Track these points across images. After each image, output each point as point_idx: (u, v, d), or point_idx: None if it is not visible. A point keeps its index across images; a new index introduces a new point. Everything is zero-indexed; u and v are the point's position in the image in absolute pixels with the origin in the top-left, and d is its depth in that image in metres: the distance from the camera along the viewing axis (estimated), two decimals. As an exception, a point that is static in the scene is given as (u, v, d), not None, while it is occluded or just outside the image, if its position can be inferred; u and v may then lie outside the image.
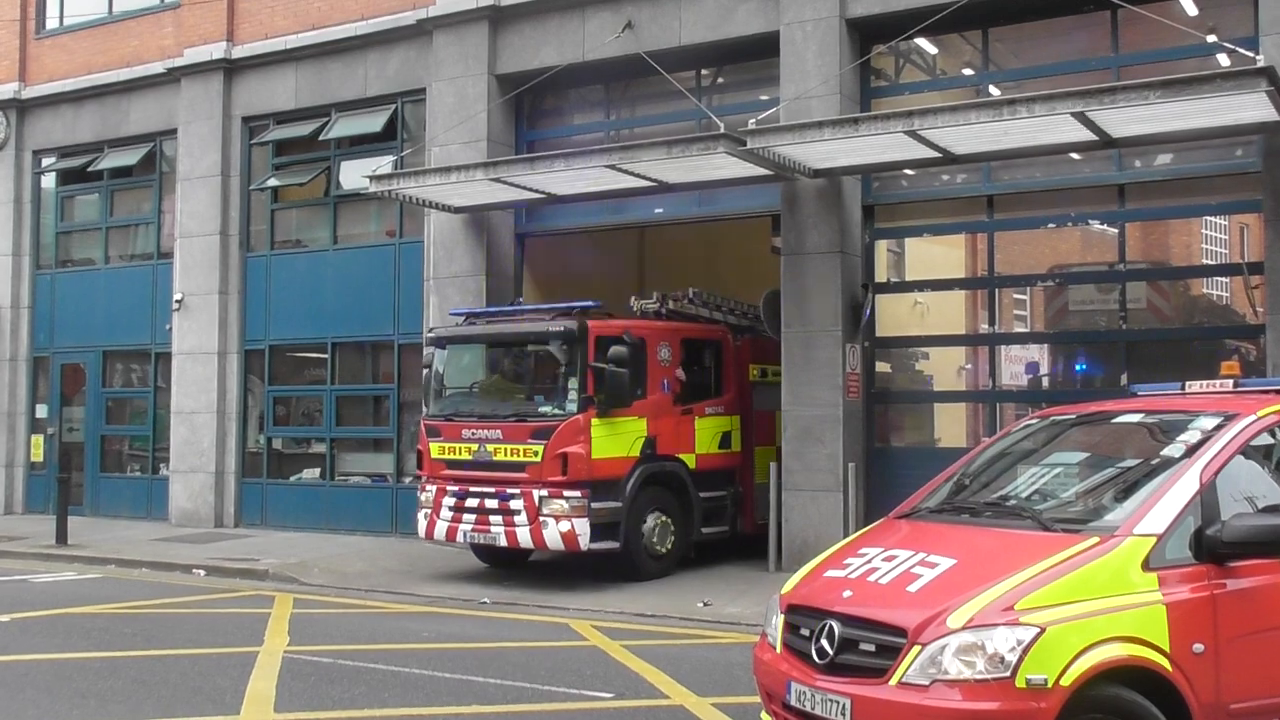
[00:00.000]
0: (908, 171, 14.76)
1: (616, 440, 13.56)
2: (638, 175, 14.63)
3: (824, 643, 5.84)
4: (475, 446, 13.79)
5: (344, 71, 18.78)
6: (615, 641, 10.75)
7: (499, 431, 13.63)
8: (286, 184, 19.74)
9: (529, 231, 17.67)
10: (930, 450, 15.09)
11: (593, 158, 14.17)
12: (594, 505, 13.25)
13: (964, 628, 5.37)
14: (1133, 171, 13.61)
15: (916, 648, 5.42)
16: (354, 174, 18.37)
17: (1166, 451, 6.42)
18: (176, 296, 20.07)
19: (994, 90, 14.36)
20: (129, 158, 21.45)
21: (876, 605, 5.80)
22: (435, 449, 14.14)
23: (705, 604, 12.45)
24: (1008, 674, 5.23)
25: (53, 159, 22.63)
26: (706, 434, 14.64)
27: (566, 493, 13.20)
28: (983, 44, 14.49)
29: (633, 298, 15.29)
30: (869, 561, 6.18)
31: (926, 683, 5.35)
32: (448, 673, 9.39)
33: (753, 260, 19.06)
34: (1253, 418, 6.23)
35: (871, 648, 5.65)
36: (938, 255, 16.38)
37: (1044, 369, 15.78)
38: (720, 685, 8.98)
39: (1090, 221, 14.81)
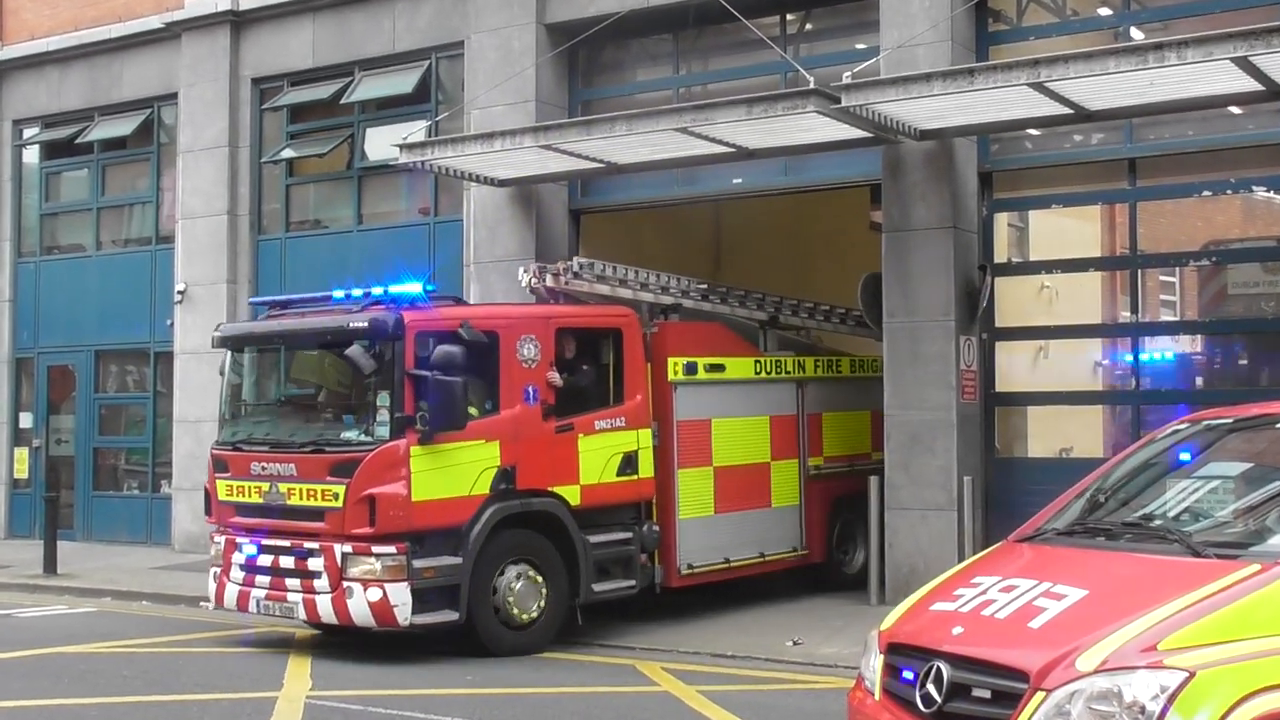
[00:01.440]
0: (1032, 131, 14.59)
1: (451, 474, 11.93)
2: (712, 139, 14.58)
3: (930, 688, 5.76)
4: (266, 486, 12.30)
5: (369, 23, 18.89)
6: (690, 686, 10.73)
7: (293, 466, 12.14)
8: (304, 155, 19.89)
9: (585, 207, 17.68)
10: (1061, 462, 14.92)
11: (660, 119, 14.13)
12: (417, 564, 11.63)
13: (1097, 671, 5.25)
14: (1305, 128, 13.38)
15: (1040, 694, 5.31)
16: (381, 143, 18.45)
17: None
18: (179, 287, 20.30)
19: (1137, 33, 14.16)
20: (123, 127, 21.72)
21: (992, 644, 5.71)
22: (222, 489, 12.68)
23: (796, 643, 12.40)
24: None
25: (35, 129, 22.97)
26: (597, 457, 12.96)
27: (377, 549, 11.60)
28: (1122, -22, 14.32)
29: (520, 271, 14.01)
30: (984, 592, 6.09)
31: None
32: (495, 723, 9.41)
33: (848, 239, 19.00)
34: None
35: (986, 694, 5.55)
36: (1069, 230, 16.22)
37: (1198, 365, 15.57)
38: (816, 739, 8.92)
39: (1254, 188, 14.60)
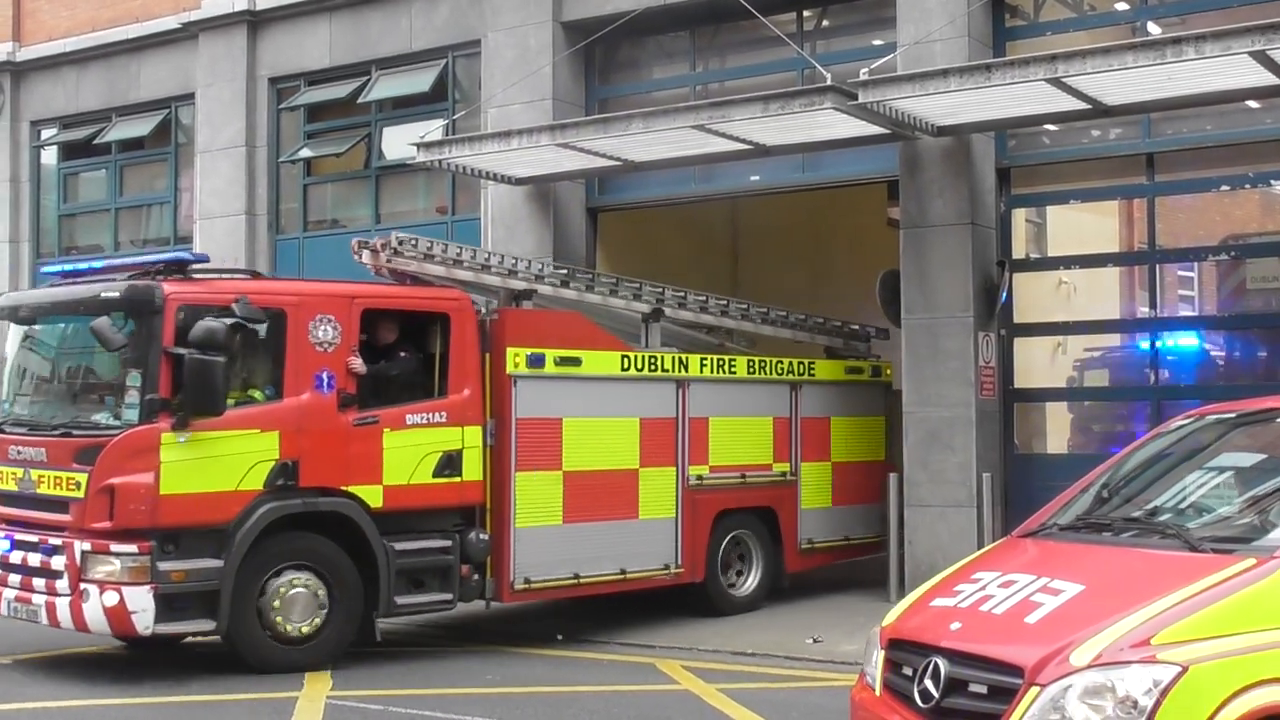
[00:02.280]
0: (1050, 127, 14.57)
1: (213, 466, 10.81)
2: (729, 137, 14.58)
3: (928, 683, 5.80)
4: (20, 472, 11.30)
5: (385, 22, 18.92)
6: (710, 685, 10.75)
7: (43, 450, 11.13)
8: (321, 155, 19.93)
9: (602, 205, 17.70)
10: (1082, 458, 14.89)
11: (677, 116, 14.13)
12: (164, 566, 10.53)
13: (1090, 666, 5.28)
14: (1324, 121, 13.34)
15: (1034, 689, 5.34)
16: (398, 142, 18.47)
17: None
18: (196, 287, 20.31)
19: (1154, 28, 14.13)
20: (140, 128, 21.79)
21: (989, 640, 5.75)
22: None
23: (815, 640, 12.42)
24: None
25: (53, 130, 23.05)
26: (407, 455, 11.79)
27: (116, 547, 10.51)
28: (1139, -27, 14.28)
29: (356, 243, 12.80)
30: (983, 588, 6.13)
31: None
32: (516, 722, 9.44)
33: (866, 235, 18.98)
34: None
35: (983, 689, 5.59)
36: (1087, 226, 16.19)
37: (1217, 359, 15.52)
38: (836, 737, 8.92)
39: (1273, 182, 14.56)
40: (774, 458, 14.62)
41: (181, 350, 10.58)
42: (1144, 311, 14.99)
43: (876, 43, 15.54)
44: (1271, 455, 7.00)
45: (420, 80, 18.64)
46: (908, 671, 5.98)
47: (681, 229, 19.08)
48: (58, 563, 10.79)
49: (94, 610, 10.53)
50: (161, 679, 10.96)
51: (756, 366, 14.56)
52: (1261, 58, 11.43)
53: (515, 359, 12.46)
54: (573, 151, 15.31)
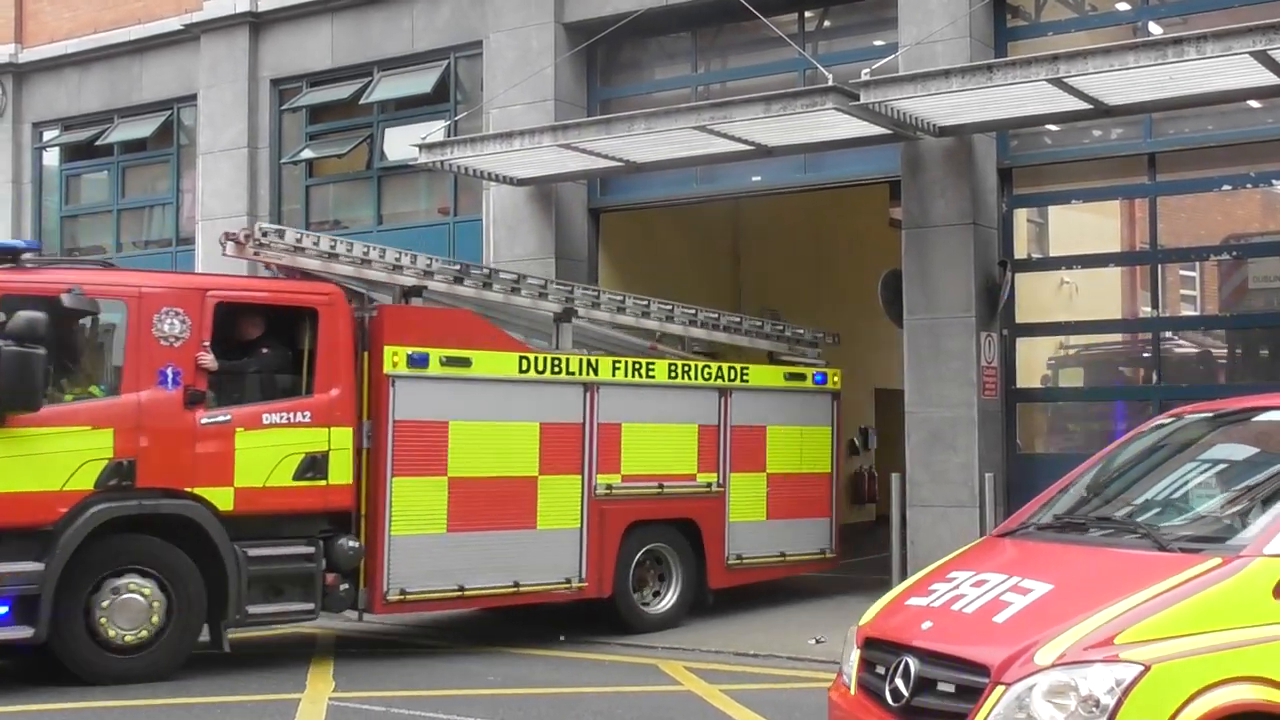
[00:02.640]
0: (1052, 127, 14.57)
1: (35, 464, 10.32)
2: (731, 137, 14.59)
3: (899, 682, 5.83)
4: None
5: (387, 23, 18.93)
6: (713, 685, 10.76)
7: None
8: (323, 156, 19.95)
9: (604, 206, 17.71)
10: (1083, 458, 14.89)
11: (678, 117, 14.15)
12: None
13: (1054, 665, 5.31)
14: (1326, 121, 13.34)
15: (1000, 688, 5.37)
16: (400, 143, 18.50)
17: None
18: (199, 288, 20.33)
19: (1155, 28, 14.13)
20: (142, 129, 21.80)
21: (957, 639, 5.78)
22: None
23: (818, 640, 12.43)
24: None
25: (55, 132, 23.06)
26: (262, 456, 11.22)
27: None
28: (1141, -27, 14.28)
29: (224, 235, 12.13)
30: (956, 587, 6.16)
31: None
32: (518, 723, 9.44)
33: (868, 235, 19.04)
34: None
35: (951, 688, 5.62)
36: (1088, 225, 16.18)
37: (1219, 359, 15.51)
38: (838, 737, 8.91)
39: (1274, 182, 14.56)
40: (698, 467, 13.92)
41: None
42: (1146, 311, 14.99)
43: (878, 43, 15.55)
44: (1244, 454, 7.00)
45: (422, 81, 18.66)
46: (881, 670, 6.03)
47: (683, 230, 19.09)
48: None
49: None
50: (167, 682, 10.95)
51: (679, 371, 13.83)
52: (1263, 57, 11.44)
53: (394, 358, 11.84)
54: (575, 152, 15.32)
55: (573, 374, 13.01)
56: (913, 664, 5.79)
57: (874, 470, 24.27)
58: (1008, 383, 14.73)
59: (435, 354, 12.05)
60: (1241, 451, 7.01)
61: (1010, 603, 5.78)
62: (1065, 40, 14.30)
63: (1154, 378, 14.64)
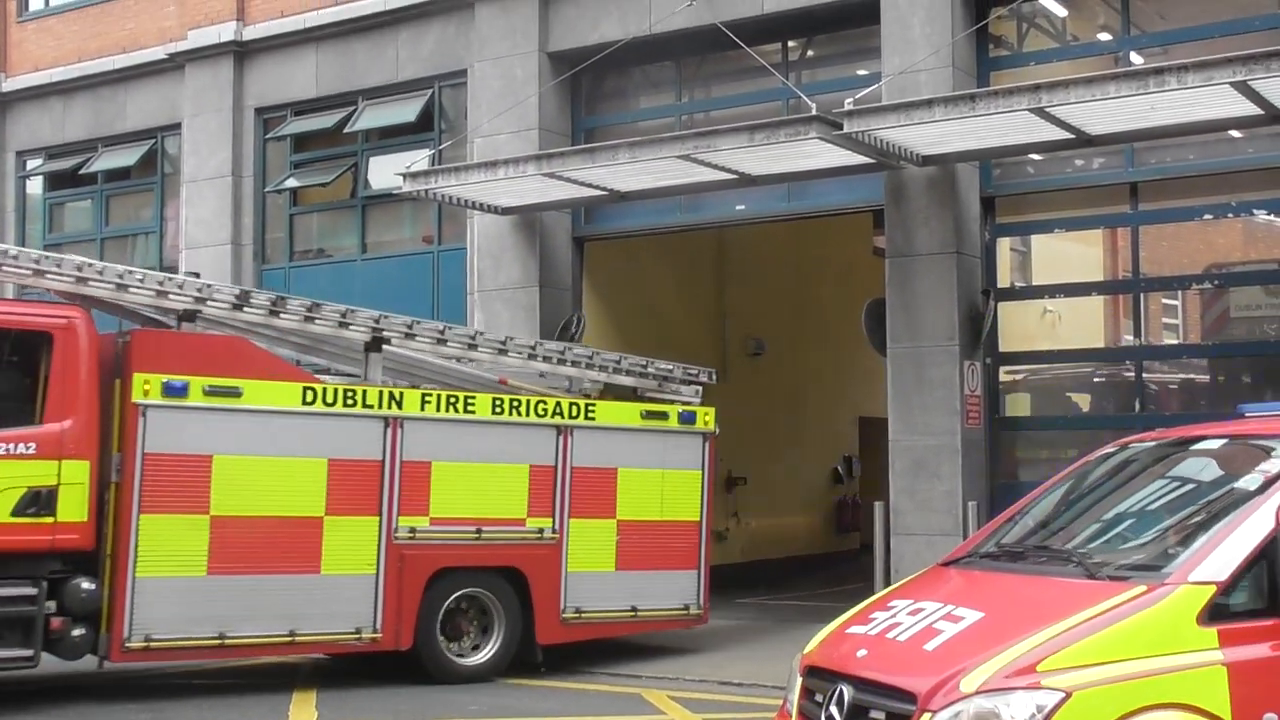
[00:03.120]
0: (1034, 156, 14.64)
1: None
2: (715, 166, 14.63)
3: (834, 709, 5.88)
4: None
5: (371, 52, 18.97)
6: (697, 715, 10.74)
7: None
8: (307, 185, 19.95)
9: (588, 235, 17.73)
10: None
11: (662, 146, 14.20)
12: None
13: (978, 692, 5.36)
14: (1305, 151, 13.41)
15: (926, 716, 5.43)
16: (385, 171, 18.55)
17: (1241, 485, 6.35)
18: (182, 316, 20.30)
19: (1136, 58, 14.22)
20: (126, 158, 21.81)
21: (888, 667, 5.84)
22: None
23: (802, 670, 12.38)
24: None
25: (39, 160, 23.07)
26: None
27: None
28: (1122, 2, 14.36)
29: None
30: (894, 615, 6.22)
31: None
32: (502, 752, 9.41)
33: (852, 264, 19.08)
34: None
35: (881, 716, 5.67)
36: (1071, 254, 16.22)
37: (1201, 387, 15.55)
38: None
39: (1255, 211, 14.60)
40: (528, 511, 12.69)
41: None
42: (1129, 340, 15.04)
43: (861, 73, 15.62)
44: (1177, 483, 7.04)
45: (407, 110, 18.69)
46: (819, 698, 6.06)
47: (668, 258, 19.12)
48: None
49: None
50: (150, 713, 10.89)
51: (506, 406, 12.62)
52: (1243, 88, 11.51)
53: (145, 386, 10.87)
54: (559, 181, 15.35)
55: (370, 406, 11.90)
56: (847, 692, 5.84)
57: (858, 498, 24.31)
58: (991, 411, 14.76)
59: (197, 382, 11.07)
60: (1177, 481, 7.06)
61: (941, 630, 5.84)
62: (1047, 70, 14.37)
63: (1137, 406, 14.68)
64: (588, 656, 13.20)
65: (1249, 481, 6.25)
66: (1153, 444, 7.41)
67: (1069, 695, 5.23)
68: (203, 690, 11.78)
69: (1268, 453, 6.42)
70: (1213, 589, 5.55)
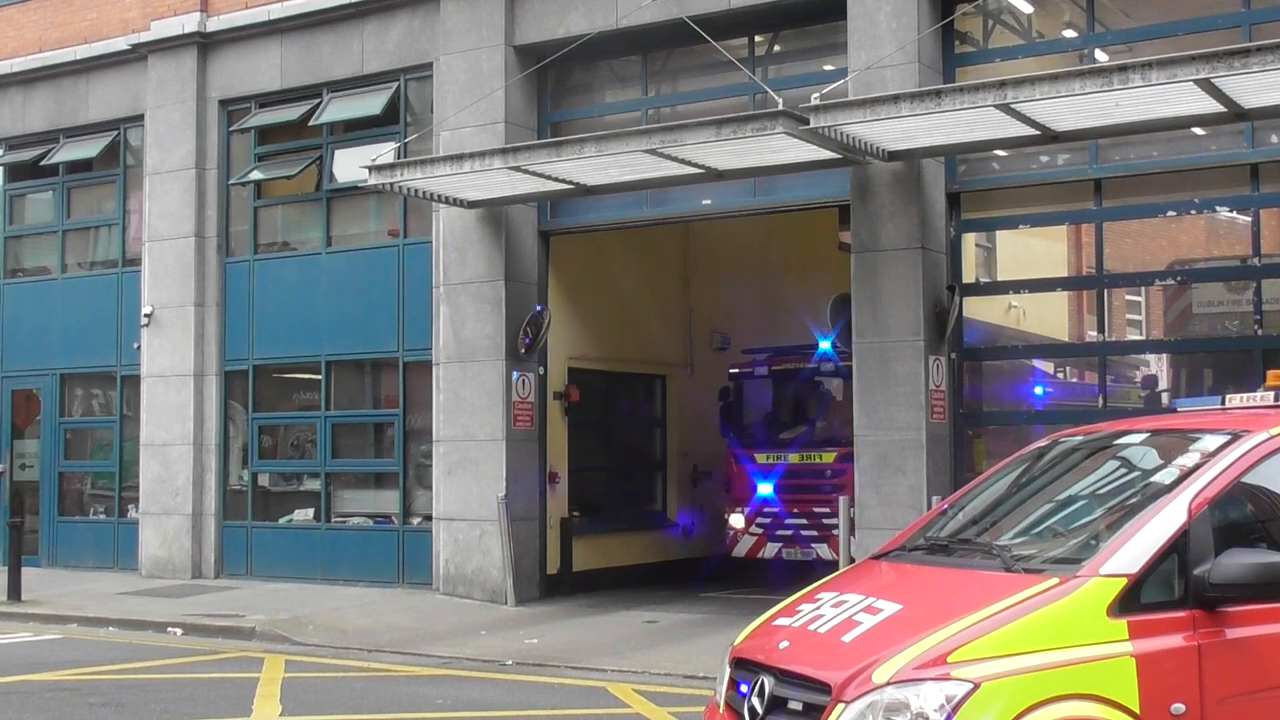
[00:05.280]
0: (1000, 152, 14.72)
1: None
2: (682, 161, 14.65)
3: (755, 700, 5.94)
4: None
5: (337, 45, 18.93)
6: (662, 708, 10.75)
7: None
8: (272, 177, 19.89)
9: (554, 229, 17.75)
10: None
11: (629, 141, 14.21)
12: None
13: (889, 683, 5.41)
14: (1268, 148, 13.51)
15: (840, 706, 5.48)
16: (350, 164, 18.48)
17: (1158, 478, 6.41)
18: (145, 310, 20.26)
19: (1101, 55, 14.32)
20: (88, 149, 21.67)
21: (807, 658, 5.89)
22: None
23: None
24: None
25: None
26: None
27: None
28: (1087, 0, 14.46)
29: None
30: (818, 608, 6.27)
31: None
32: (467, 746, 9.43)
33: (817, 259, 19.12)
34: (1263, 436, 6.14)
35: (799, 706, 5.73)
36: (1036, 250, 16.34)
37: (1164, 383, 15.70)
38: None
39: (1218, 208, 14.73)
40: None
41: None
42: (1093, 335, 15.16)
43: (828, 68, 15.69)
44: (1099, 477, 7.12)
45: (372, 103, 18.65)
46: (744, 689, 6.11)
47: (634, 252, 19.15)
48: None
49: None
50: (112, 708, 10.86)
51: None
52: (1206, 85, 11.60)
53: None
54: (525, 175, 15.35)
55: None
56: (768, 683, 5.90)
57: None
58: (956, 406, 14.86)
59: None
60: (1101, 475, 7.14)
61: (860, 623, 5.90)
62: (1013, 66, 14.45)
63: (1100, 401, 14.79)
64: (556, 651, 13.24)
65: (1165, 475, 6.31)
66: (1082, 438, 7.49)
67: (977, 686, 5.29)
68: (165, 685, 11.75)
69: (1186, 447, 6.49)
70: (1124, 581, 5.60)
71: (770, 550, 18.00)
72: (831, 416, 18.13)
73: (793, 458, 17.91)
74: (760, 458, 18.23)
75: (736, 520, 18.43)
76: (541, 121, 17.70)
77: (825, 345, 17.78)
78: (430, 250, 17.91)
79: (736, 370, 19.30)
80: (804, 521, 17.64)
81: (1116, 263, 14.99)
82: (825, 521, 17.05)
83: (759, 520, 18.08)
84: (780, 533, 17.86)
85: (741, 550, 18.38)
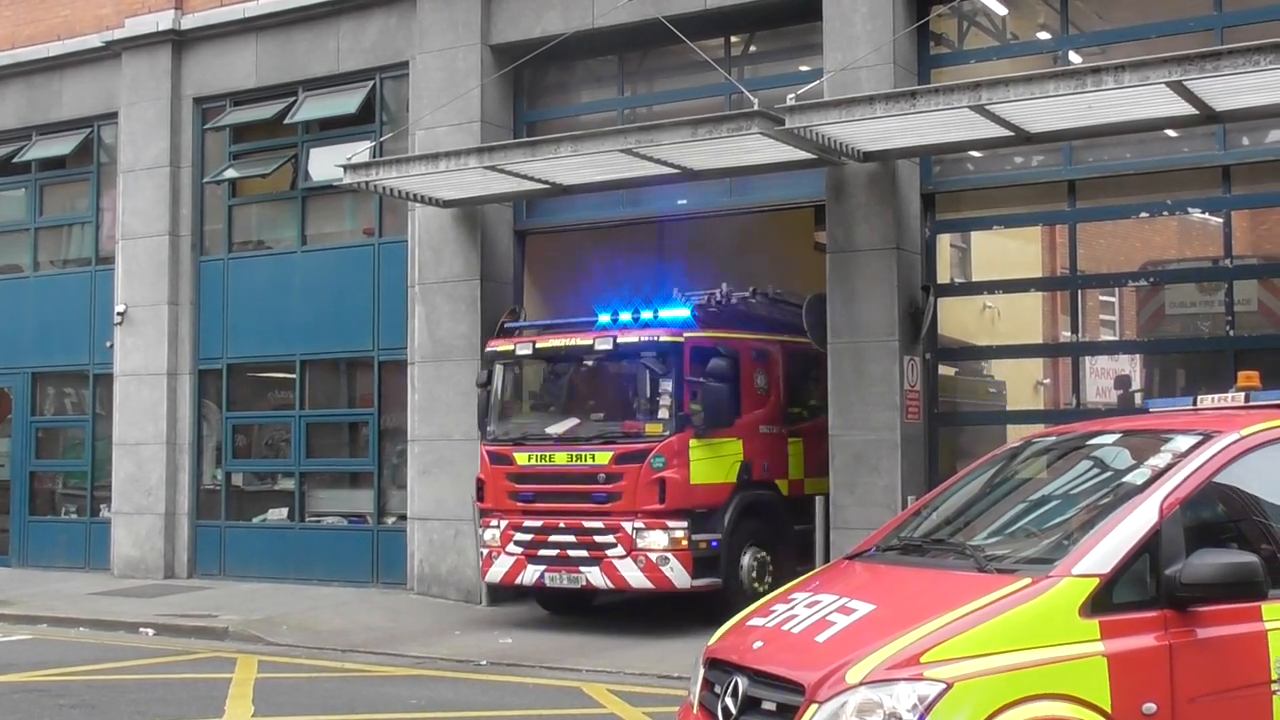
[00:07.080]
0: (974, 153, 14.79)
1: None
2: (657, 161, 14.67)
3: (728, 701, 5.94)
4: None
5: (312, 43, 18.89)
6: (637, 709, 10.77)
7: None
8: (246, 175, 19.85)
9: (530, 228, 17.75)
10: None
11: (605, 140, 14.23)
12: None
13: (862, 683, 5.42)
14: (1240, 151, 13.60)
15: (814, 706, 5.48)
16: (325, 163, 18.45)
17: (1129, 479, 6.44)
18: (119, 308, 20.19)
19: (1075, 57, 14.39)
20: (61, 147, 21.58)
21: (780, 658, 5.90)
22: None
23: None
24: None
25: (-28, 149, 22.79)
26: None
27: None
28: (1061, 2, 14.52)
29: None
30: (792, 608, 6.28)
31: None
32: (441, 746, 9.43)
33: (793, 259, 19.14)
34: (1234, 436, 6.17)
35: (773, 706, 5.74)
36: (1010, 251, 16.39)
37: (1137, 383, 15.77)
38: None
39: (1190, 210, 14.80)
40: None
41: None
42: (1066, 336, 15.23)
43: (803, 69, 15.72)
44: (1072, 478, 7.17)
45: (348, 101, 18.63)
46: (718, 690, 6.13)
47: (610, 252, 19.10)
48: None
49: None
50: (83, 709, 10.84)
51: None
52: (1178, 88, 11.67)
53: None
54: (501, 174, 15.35)
55: None
56: (742, 683, 5.90)
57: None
58: (930, 406, 14.90)
59: None
60: (1074, 475, 7.19)
61: (834, 623, 5.91)
62: (987, 68, 14.51)
63: (1074, 401, 14.87)
64: (529, 651, 13.25)
65: (1137, 475, 6.34)
66: (1055, 439, 7.55)
67: (950, 686, 5.31)
68: (137, 686, 11.72)
69: (1158, 447, 6.53)
70: (1096, 581, 5.62)
71: (531, 575, 14.51)
72: (611, 407, 14.90)
73: (559, 458, 14.57)
74: (520, 458, 14.77)
75: (490, 536, 14.92)
76: (517, 121, 17.70)
77: (683, 313, 14.60)
78: (405, 249, 17.88)
79: (494, 350, 15.45)
80: (571, 539, 14.27)
81: (1090, 264, 15.06)
82: (599, 540, 14.08)
83: (517, 537, 14.65)
84: (544, 553, 14.44)
85: (497, 574, 14.85)
